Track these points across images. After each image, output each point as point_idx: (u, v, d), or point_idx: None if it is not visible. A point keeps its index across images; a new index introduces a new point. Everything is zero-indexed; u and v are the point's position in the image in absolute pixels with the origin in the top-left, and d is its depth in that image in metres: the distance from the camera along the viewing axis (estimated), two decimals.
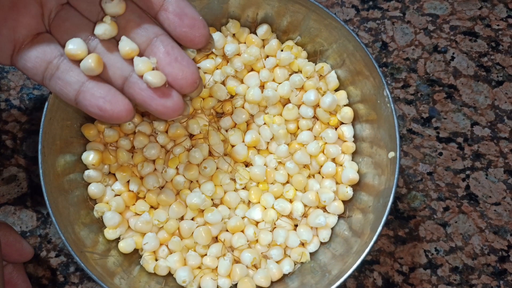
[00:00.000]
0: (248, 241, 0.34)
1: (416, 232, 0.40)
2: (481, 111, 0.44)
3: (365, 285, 0.39)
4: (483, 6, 0.47)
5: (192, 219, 0.35)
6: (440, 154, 0.42)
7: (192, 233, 0.34)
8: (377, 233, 0.30)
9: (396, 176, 0.31)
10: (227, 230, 0.35)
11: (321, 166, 0.37)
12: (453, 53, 0.46)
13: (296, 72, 0.38)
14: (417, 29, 0.46)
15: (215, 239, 0.35)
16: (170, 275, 0.34)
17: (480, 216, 0.41)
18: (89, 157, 0.34)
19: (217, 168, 0.35)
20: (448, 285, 0.39)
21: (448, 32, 0.46)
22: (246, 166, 0.37)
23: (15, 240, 0.32)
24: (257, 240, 0.35)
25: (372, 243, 0.30)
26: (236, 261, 0.34)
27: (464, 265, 0.39)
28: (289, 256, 0.35)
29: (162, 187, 0.36)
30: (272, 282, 0.34)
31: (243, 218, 0.35)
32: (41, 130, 0.32)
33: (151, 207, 0.35)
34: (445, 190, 0.41)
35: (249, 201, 0.36)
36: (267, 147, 0.37)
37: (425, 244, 0.40)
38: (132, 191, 0.35)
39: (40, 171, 0.31)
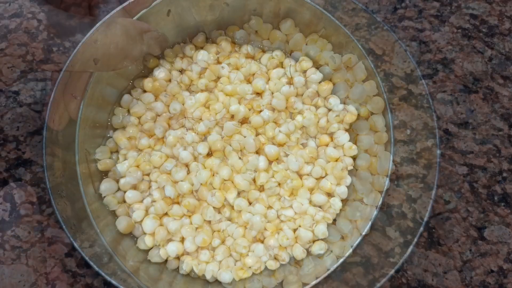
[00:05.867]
0: (288, 239, 0.34)
1: (451, 234, 0.40)
2: None
3: (398, 285, 0.38)
4: None
5: (230, 220, 0.35)
6: (477, 155, 0.42)
7: (232, 234, 0.34)
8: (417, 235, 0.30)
9: (436, 177, 0.31)
10: (265, 229, 0.35)
11: (355, 158, 0.36)
12: (491, 54, 0.45)
13: (322, 66, 0.38)
14: (455, 29, 0.46)
15: (255, 239, 0.35)
16: (213, 278, 0.34)
17: None
18: (124, 164, 0.35)
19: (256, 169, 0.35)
20: None
21: (487, 33, 0.46)
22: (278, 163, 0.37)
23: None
24: (297, 237, 0.35)
25: (414, 241, 0.30)
26: (278, 260, 0.34)
27: (499, 268, 0.39)
28: (331, 251, 0.35)
29: (197, 191, 0.35)
30: (316, 278, 0.33)
31: (280, 216, 0.35)
32: (76, 142, 0.33)
33: (188, 211, 0.35)
34: (481, 192, 0.41)
35: (285, 198, 0.36)
36: (297, 144, 0.37)
37: (460, 246, 0.40)
38: (169, 197, 0.35)
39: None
